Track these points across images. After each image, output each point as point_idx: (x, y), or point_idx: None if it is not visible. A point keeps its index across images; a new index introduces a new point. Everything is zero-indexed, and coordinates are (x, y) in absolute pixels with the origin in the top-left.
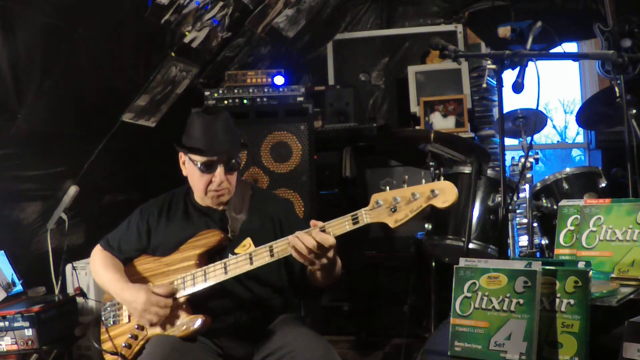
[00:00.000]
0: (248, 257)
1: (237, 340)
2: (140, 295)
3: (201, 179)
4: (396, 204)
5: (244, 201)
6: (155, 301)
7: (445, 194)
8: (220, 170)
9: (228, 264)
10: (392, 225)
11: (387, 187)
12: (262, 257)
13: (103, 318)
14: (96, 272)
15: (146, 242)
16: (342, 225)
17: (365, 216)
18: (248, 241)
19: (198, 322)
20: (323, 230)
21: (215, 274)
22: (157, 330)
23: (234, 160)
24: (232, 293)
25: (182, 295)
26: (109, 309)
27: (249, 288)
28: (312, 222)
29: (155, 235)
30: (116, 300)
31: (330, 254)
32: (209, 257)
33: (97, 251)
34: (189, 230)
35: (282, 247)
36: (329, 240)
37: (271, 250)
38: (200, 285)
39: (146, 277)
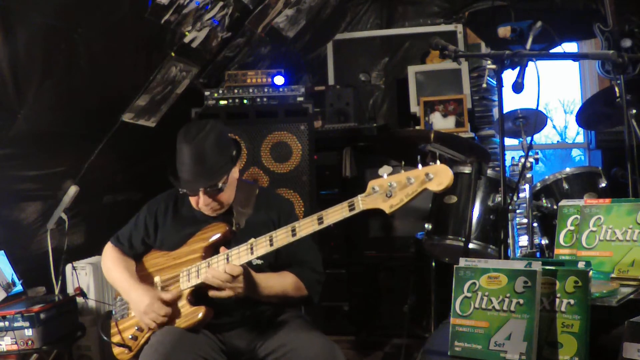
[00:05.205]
0: (249, 247)
1: (240, 336)
2: (145, 299)
3: (191, 198)
4: (391, 190)
5: (250, 198)
6: (157, 308)
7: (439, 176)
8: (202, 195)
9: (230, 254)
10: (387, 210)
11: (385, 175)
12: (263, 246)
13: (114, 312)
14: (107, 269)
15: (154, 237)
16: (339, 212)
17: (361, 202)
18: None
19: (200, 313)
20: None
21: (218, 265)
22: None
23: (214, 186)
24: None
25: (187, 287)
26: (119, 303)
27: None
28: (221, 249)
29: (162, 230)
30: None
31: (240, 282)
32: (214, 250)
33: (108, 248)
34: (196, 224)
35: (282, 236)
36: (235, 270)
37: (271, 240)
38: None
39: (155, 271)
